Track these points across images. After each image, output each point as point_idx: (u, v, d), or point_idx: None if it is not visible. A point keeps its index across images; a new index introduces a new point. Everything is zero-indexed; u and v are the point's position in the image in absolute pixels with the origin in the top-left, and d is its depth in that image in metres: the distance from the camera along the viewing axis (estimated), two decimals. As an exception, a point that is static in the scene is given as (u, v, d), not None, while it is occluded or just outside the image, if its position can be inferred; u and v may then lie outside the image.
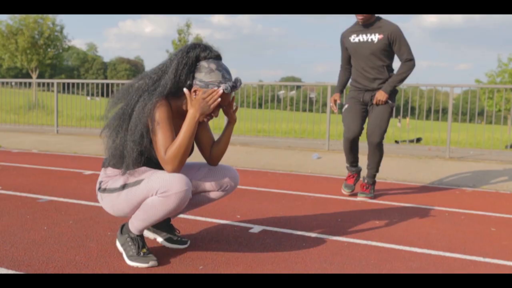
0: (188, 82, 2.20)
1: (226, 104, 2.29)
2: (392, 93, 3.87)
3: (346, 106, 3.99)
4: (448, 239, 2.86)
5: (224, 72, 2.21)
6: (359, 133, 3.89)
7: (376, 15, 3.83)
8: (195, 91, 2.20)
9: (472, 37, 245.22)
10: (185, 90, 2.18)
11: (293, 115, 9.04)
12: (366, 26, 3.83)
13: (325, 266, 2.33)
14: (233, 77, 2.25)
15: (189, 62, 2.19)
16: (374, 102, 3.85)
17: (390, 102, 3.86)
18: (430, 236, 2.92)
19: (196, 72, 2.20)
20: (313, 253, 2.52)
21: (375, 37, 3.77)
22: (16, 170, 4.96)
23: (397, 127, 11.70)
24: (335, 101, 4.13)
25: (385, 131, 3.85)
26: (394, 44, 3.77)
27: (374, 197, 4.03)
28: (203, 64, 2.20)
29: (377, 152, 3.95)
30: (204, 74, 2.19)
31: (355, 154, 4.04)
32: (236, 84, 2.22)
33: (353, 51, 3.92)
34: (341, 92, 4.17)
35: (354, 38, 3.88)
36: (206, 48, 2.23)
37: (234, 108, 2.38)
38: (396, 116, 9.30)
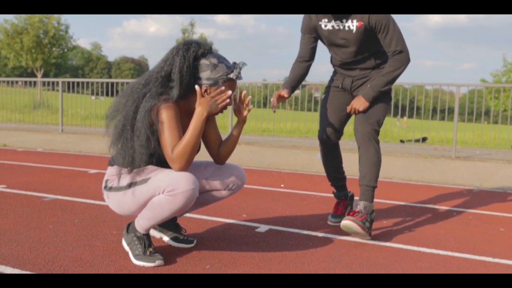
0: (194, 84, 2.19)
1: (234, 92, 2.29)
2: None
3: (323, 96, 3.12)
4: (457, 239, 2.83)
5: (226, 62, 2.23)
6: (337, 131, 2.98)
7: None
8: (206, 91, 2.19)
9: (476, 37, 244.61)
10: (197, 87, 2.16)
11: (298, 114, 9.00)
12: None
13: (333, 266, 2.31)
14: (230, 62, 2.26)
15: (190, 65, 2.17)
16: (348, 111, 2.91)
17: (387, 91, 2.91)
18: (438, 236, 2.90)
19: (200, 72, 2.19)
20: (320, 252, 2.50)
21: (353, 25, 2.81)
22: (21, 169, 4.96)
23: (398, 126, 11.64)
24: (279, 96, 2.92)
25: (380, 119, 2.83)
26: (379, 32, 2.80)
27: (381, 197, 3.94)
28: (204, 62, 2.19)
29: (371, 150, 2.79)
30: (210, 71, 2.17)
31: (335, 164, 3.08)
32: (240, 70, 2.24)
33: (326, 41, 2.99)
34: (292, 89, 2.99)
35: (325, 25, 2.90)
36: (199, 45, 2.21)
37: (249, 107, 2.39)
38: (396, 116, 9.26)
